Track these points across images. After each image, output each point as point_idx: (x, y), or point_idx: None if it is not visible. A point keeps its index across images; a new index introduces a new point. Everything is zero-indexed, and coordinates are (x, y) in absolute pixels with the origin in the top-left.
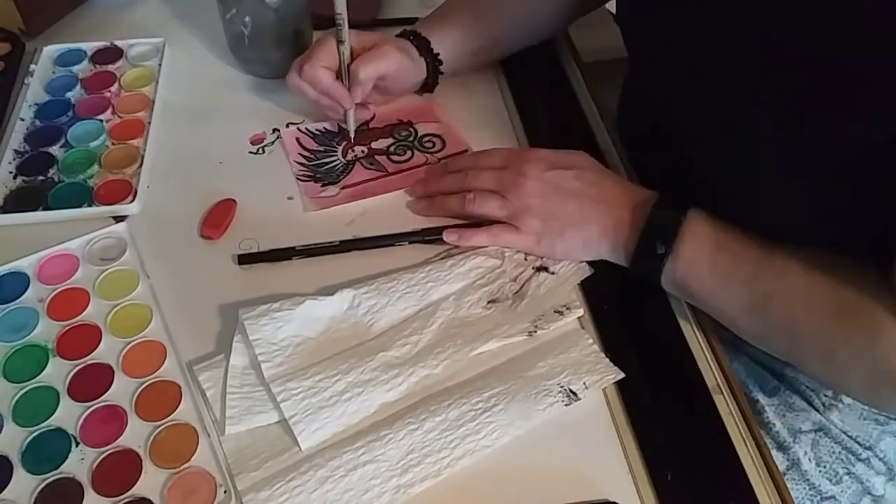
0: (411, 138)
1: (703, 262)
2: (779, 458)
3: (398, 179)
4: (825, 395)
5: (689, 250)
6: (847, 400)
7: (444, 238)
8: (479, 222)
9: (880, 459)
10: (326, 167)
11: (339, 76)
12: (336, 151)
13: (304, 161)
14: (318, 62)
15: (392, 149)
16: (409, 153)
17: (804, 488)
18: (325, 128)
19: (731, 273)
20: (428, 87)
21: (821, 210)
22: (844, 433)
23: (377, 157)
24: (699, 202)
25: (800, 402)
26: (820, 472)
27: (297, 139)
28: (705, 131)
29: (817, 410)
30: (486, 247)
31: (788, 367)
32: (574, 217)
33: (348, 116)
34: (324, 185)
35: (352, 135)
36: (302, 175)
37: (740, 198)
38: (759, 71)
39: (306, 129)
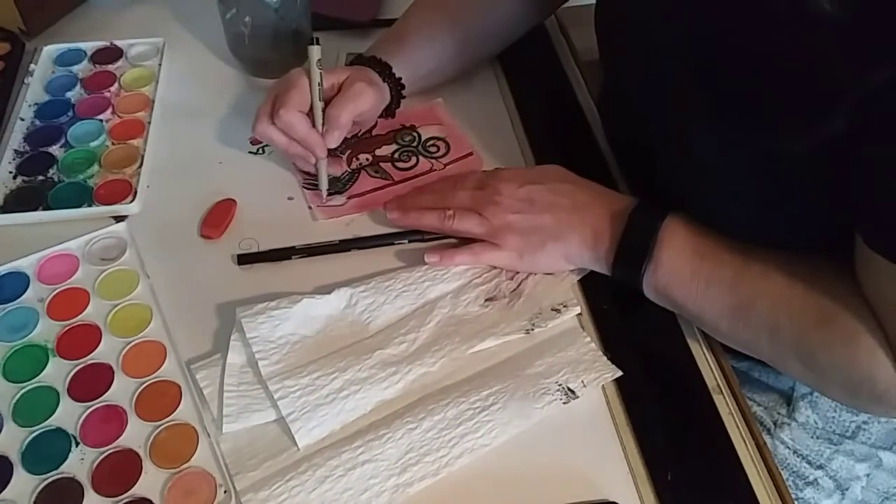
0: (415, 143)
1: (684, 268)
2: None
3: (404, 189)
4: (778, 413)
5: (668, 257)
6: (801, 418)
7: (426, 259)
8: (457, 242)
9: (831, 478)
10: (331, 176)
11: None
12: (340, 160)
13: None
14: (293, 107)
15: (397, 155)
16: (413, 159)
17: None
18: None
19: (713, 278)
20: (390, 111)
21: (774, 214)
22: (795, 452)
23: (382, 164)
24: (670, 206)
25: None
26: None
27: None
28: (660, 142)
29: (767, 431)
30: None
31: (744, 386)
32: (552, 229)
33: (320, 168)
34: (330, 195)
35: (324, 192)
36: (308, 184)
37: (699, 205)
38: (696, 90)
39: None
